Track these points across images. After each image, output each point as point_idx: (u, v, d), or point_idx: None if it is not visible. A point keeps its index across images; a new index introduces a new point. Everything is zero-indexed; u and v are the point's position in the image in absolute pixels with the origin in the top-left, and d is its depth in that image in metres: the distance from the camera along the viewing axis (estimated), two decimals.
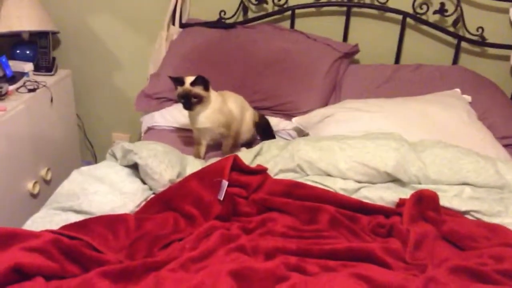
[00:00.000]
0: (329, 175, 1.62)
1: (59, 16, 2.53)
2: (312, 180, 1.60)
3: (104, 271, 1.09)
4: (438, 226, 1.39)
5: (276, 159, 1.67)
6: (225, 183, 1.42)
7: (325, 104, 2.17)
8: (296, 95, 2.15)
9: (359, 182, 1.59)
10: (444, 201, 1.49)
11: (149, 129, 2.14)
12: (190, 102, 1.74)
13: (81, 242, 1.18)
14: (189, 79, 1.76)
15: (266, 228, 1.38)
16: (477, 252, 1.30)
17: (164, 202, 1.44)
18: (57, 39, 2.64)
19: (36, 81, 2.29)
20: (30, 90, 2.24)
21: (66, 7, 2.57)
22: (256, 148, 1.75)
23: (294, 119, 2.08)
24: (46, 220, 1.33)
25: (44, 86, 2.29)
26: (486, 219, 1.47)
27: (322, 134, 1.89)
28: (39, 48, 2.41)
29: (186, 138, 2.00)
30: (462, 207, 1.50)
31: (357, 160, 1.60)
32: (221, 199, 1.40)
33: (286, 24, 2.40)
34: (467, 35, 2.29)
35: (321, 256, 1.25)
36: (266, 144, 1.77)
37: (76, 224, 1.27)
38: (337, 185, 1.58)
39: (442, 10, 2.25)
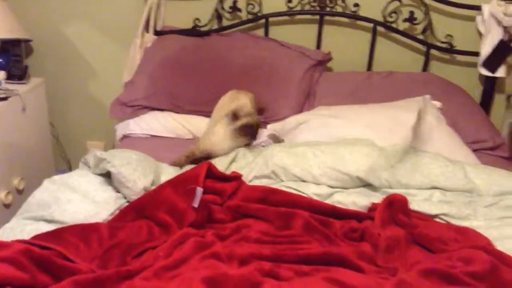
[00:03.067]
0: (303, 180, 1.64)
1: (32, 24, 2.50)
2: (286, 186, 1.62)
3: (76, 280, 1.08)
4: (408, 229, 1.42)
5: (251, 165, 1.69)
6: (199, 190, 1.43)
7: (300, 111, 2.20)
8: (271, 102, 2.17)
9: (332, 187, 1.62)
10: (414, 205, 1.53)
11: (124, 137, 2.13)
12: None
13: (53, 252, 1.17)
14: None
15: (241, 234, 1.38)
16: (446, 255, 1.33)
17: (138, 210, 1.44)
18: (30, 47, 2.61)
19: (8, 89, 2.26)
20: (2, 99, 2.21)
21: (39, 14, 2.54)
22: (231, 155, 1.76)
23: (269, 126, 2.10)
24: (17, 230, 1.31)
25: (16, 94, 2.26)
26: (455, 222, 1.51)
27: (296, 141, 1.92)
28: (12, 56, 2.37)
29: (160, 146, 1.99)
30: (432, 211, 1.53)
31: (330, 165, 1.63)
32: (196, 206, 1.41)
33: (260, 32, 2.43)
34: (436, 43, 2.35)
35: (295, 261, 1.26)
36: (241, 150, 1.79)
37: (47, 234, 1.26)
38: (310, 191, 1.60)
39: (411, 18, 2.30)
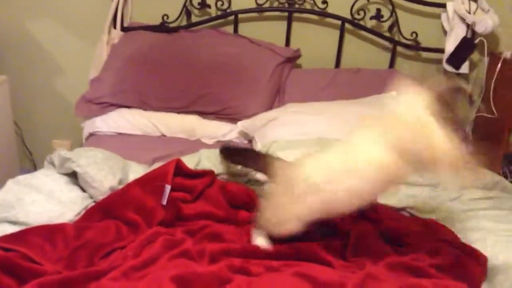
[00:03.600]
0: None
1: None
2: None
3: (41, 282, 1.06)
4: (376, 224, 1.45)
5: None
6: (167, 187, 1.41)
7: (270, 108, 2.21)
8: (240, 99, 2.17)
9: None
10: (381, 199, 1.56)
11: (91, 135, 2.09)
12: None
13: (17, 253, 1.14)
14: None
15: (211, 230, 1.38)
16: (413, 248, 1.36)
17: (105, 210, 1.41)
18: None
19: None
20: None
21: (1, 10, 2.46)
22: (195, 156, 1.72)
23: (239, 123, 2.10)
24: None
25: None
26: (421, 215, 1.55)
27: (266, 138, 1.92)
28: None
29: (128, 143, 1.97)
30: (399, 204, 1.56)
31: None
32: (164, 204, 1.39)
33: (230, 28, 2.42)
34: (402, 40, 2.40)
35: (265, 257, 1.27)
36: (205, 152, 1.74)
37: (11, 236, 1.23)
38: None
39: (378, 16, 2.34)
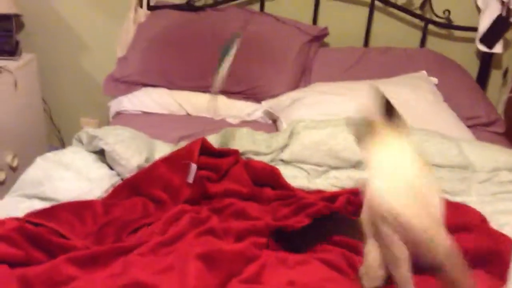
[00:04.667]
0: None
1: None
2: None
3: (71, 257, 1.08)
4: None
5: None
6: (193, 166, 1.42)
7: (295, 87, 2.18)
8: (266, 79, 2.15)
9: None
10: None
11: (117, 114, 2.11)
12: None
13: (47, 229, 1.17)
14: None
15: (236, 208, 1.38)
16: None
17: (132, 187, 1.43)
18: (21, 22, 2.56)
19: None
20: None
21: None
22: (220, 134, 1.71)
23: (264, 103, 2.09)
24: (11, 207, 1.30)
25: (8, 70, 2.23)
26: (449, 197, 1.51)
27: (292, 118, 1.90)
28: (2, 31, 2.33)
29: (154, 122, 1.98)
30: None
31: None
32: (190, 182, 1.40)
33: (256, 7, 2.39)
34: (434, 18, 2.33)
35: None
36: (229, 131, 1.73)
37: (41, 211, 1.25)
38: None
39: None
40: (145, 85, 2.15)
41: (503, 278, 1.17)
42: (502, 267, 1.20)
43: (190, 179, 1.40)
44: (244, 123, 2.05)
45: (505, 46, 2.32)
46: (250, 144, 1.65)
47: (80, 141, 1.58)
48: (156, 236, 1.22)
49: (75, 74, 2.67)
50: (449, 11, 2.30)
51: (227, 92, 2.12)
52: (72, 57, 2.63)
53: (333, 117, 1.81)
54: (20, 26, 2.56)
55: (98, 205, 1.32)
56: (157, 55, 2.17)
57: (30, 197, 1.35)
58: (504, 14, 2.20)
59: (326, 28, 2.32)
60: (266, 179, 1.51)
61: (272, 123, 2.09)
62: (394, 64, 2.21)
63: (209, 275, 1.05)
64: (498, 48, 2.26)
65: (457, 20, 2.32)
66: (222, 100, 2.12)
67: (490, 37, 2.24)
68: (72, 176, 1.42)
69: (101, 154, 1.53)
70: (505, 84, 2.43)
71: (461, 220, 1.37)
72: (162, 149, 1.61)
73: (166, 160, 1.47)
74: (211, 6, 2.37)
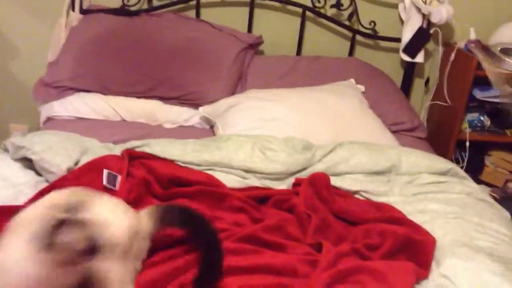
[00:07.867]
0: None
1: None
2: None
3: None
4: (330, 204, 1.50)
5: None
6: (105, 171, 1.43)
7: (232, 93, 2.21)
8: (202, 85, 2.17)
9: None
10: (336, 181, 1.62)
11: (49, 119, 2.05)
12: None
13: None
14: None
15: None
16: (365, 228, 1.43)
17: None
18: None
19: None
20: None
21: None
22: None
23: (201, 109, 2.11)
24: None
25: None
26: (374, 198, 1.61)
27: (228, 123, 1.94)
28: None
29: (87, 128, 1.94)
30: (353, 187, 1.63)
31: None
32: (105, 184, 1.41)
33: (192, 14, 2.41)
34: (361, 29, 2.45)
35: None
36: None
37: None
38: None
39: (338, 4, 2.38)
40: (78, 90, 2.10)
41: (427, 268, 1.28)
42: (426, 257, 1.31)
43: (105, 182, 1.40)
44: (181, 129, 2.07)
45: (427, 56, 2.48)
46: None
47: (6, 149, 1.54)
48: None
49: (4, 79, 2.56)
50: (374, 23, 2.43)
51: (163, 98, 2.13)
52: (2, 62, 2.52)
53: (266, 123, 1.88)
54: None
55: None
56: (91, 60, 2.13)
57: None
58: (425, 26, 2.36)
59: (261, 37, 2.38)
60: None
61: (210, 128, 2.12)
62: (324, 72, 2.31)
63: None
64: (420, 58, 2.41)
65: (382, 31, 2.46)
66: (159, 105, 2.13)
67: (412, 48, 2.39)
68: None
69: (27, 160, 1.49)
70: (427, 91, 2.60)
71: (388, 214, 1.47)
72: (94, 150, 1.60)
73: (89, 167, 1.47)
74: (146, 11, 2.36)
